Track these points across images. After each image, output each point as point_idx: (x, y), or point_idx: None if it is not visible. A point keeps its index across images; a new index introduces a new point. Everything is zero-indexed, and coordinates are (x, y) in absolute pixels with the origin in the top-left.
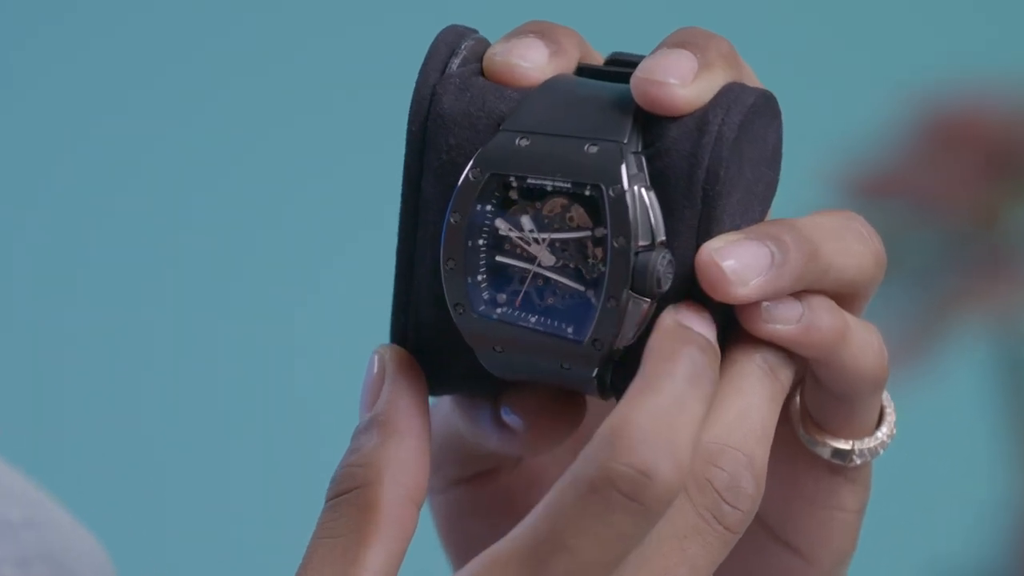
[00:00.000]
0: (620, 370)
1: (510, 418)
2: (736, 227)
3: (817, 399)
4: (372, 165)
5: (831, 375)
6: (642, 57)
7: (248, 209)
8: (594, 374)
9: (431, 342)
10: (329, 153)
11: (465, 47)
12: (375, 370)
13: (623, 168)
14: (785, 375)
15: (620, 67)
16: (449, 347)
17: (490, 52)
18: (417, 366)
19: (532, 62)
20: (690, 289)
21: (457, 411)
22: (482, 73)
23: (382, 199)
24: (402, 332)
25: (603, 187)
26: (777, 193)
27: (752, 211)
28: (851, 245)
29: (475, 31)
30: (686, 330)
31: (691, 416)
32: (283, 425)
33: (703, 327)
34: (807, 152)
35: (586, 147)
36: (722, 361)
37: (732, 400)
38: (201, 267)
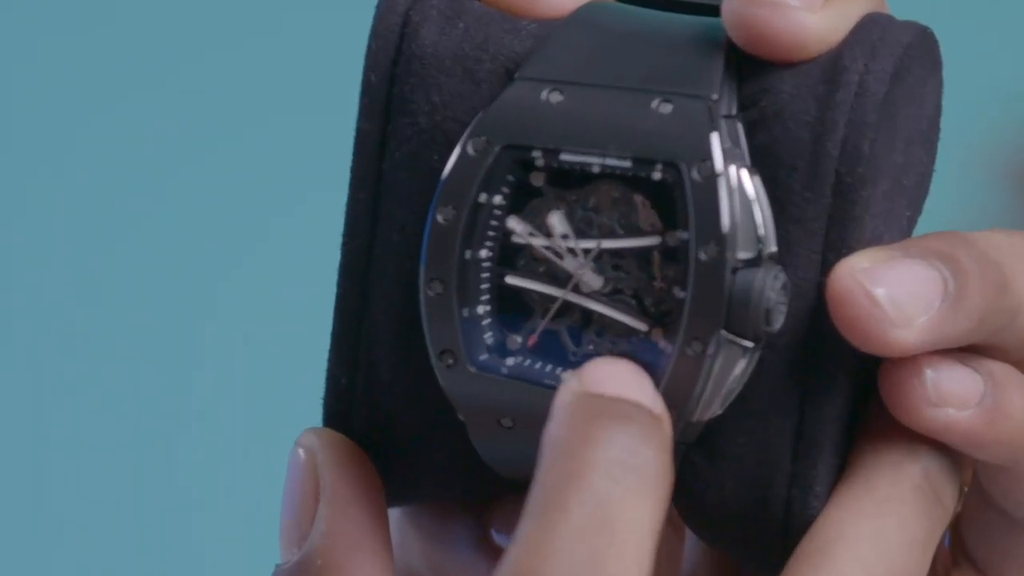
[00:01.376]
0: (693, 460)
1: (504, 542)
2: (880, 238)
3: (984, 530)
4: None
5: (1015, 493)
6: None
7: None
8: None
9: (392, 420)
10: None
11: None
12: (301, 476)
13: (715, 138)
14: (950, 495)
15: (682, 7)
16: (421, 427)
17: None
18: (369, 464)
19: None
20: (808, 333)
21: (413, 533)
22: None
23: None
24: (344, 406)
25: (682, 167)
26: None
27: (897, 215)
28: None
29: None
30: (595, 399)
31: (631, 529)
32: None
33: (625, 384)
34: (960, 129)
35: (654, 104)
36: (851, 469)
37: (868, 537)
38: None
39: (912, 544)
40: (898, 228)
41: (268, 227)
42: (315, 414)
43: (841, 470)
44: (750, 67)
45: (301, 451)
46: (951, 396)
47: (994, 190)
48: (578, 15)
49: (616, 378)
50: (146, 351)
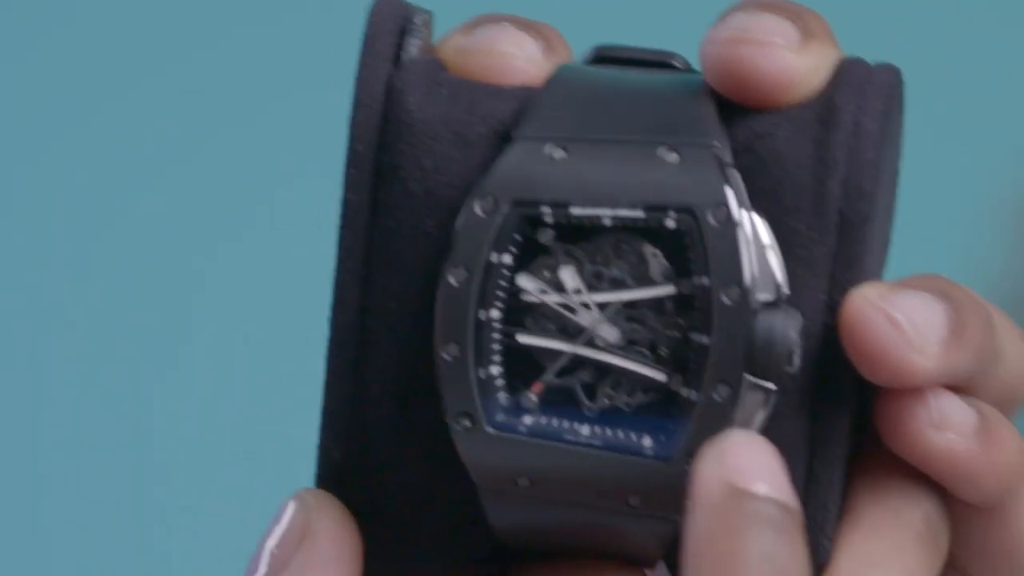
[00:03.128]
0: None
1: None
2: (876, 277)
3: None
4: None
5: (1000, 534)
6: (656, 51)
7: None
8: (679, 514)
9: (386, 491)
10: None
11: (423, 24)
12: (288, 521)
13: (727, 184)
14: (945, 541)
15: (625, 63)
16: (414, 499)
17: (457, 43)
18: (356, 533)
19: (528, 54)
20: (814, 375)
21: None
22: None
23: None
24: (337, 478)
25: (697, 213)
26: (913, 234)
27: (878, 256)
28: (1010, 330)
29: (419, 8)
30: (744, 499)
31: None
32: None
33: (769, 476)
34: (965, 167)
35: (659, 153)
36: (854, 513)
37: None
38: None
39: None
40: (879, 267)
41: (259, 226)
42: (307, 413)
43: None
44: (734, 115)
45: (294, 503)
46: (952, 422)
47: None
48: (560, 75)
49: (762, 471)
50: (134, 348)
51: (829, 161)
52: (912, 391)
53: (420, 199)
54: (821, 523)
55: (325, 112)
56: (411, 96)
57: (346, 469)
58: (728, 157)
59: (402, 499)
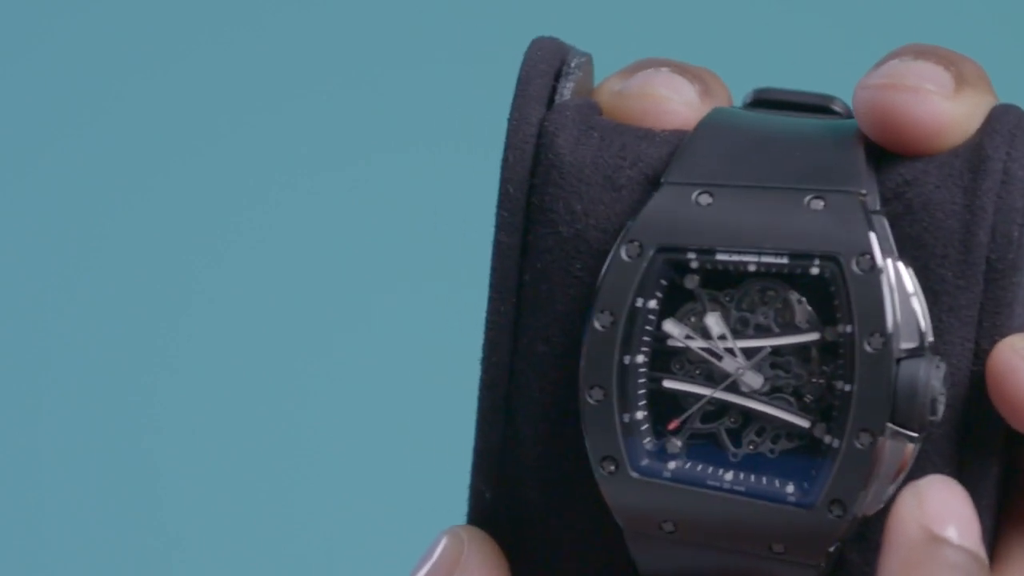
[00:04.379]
0: (848, 558)
1: None
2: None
3: None
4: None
5: None
6: (815, 95)
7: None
8: (823, 563)
9: (536, 532)
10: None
11: (578, 67)
12: (439, 555)
13: (872, 232)
14: None
15: (782, 107)
16: (563, 541)
17: (614, 87)
18: (506, 569)
19: (684, 97)
20: (962, 423)
21: None
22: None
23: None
24: (488, 512)
25: (842, 260)
26: None
27: None
28: None
29: (577, 49)
30: (941, 547)
31: None
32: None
33: (964, 526)
34: None
35: (806, 201)
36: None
37: None
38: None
39: None
40: None
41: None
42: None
43: (989, 557)
44: (886, 162)
45: (447, 538)
46: None
47: None
48: (711, 120)
49: (958, 519)
50: (133, 348)
51: (977, 209)
52: None
53: (569, 242)
54: None
55: (325, 111)
56: (562, 139)
57: (496, 510)
58: (875, 204)
59: (551, 541)
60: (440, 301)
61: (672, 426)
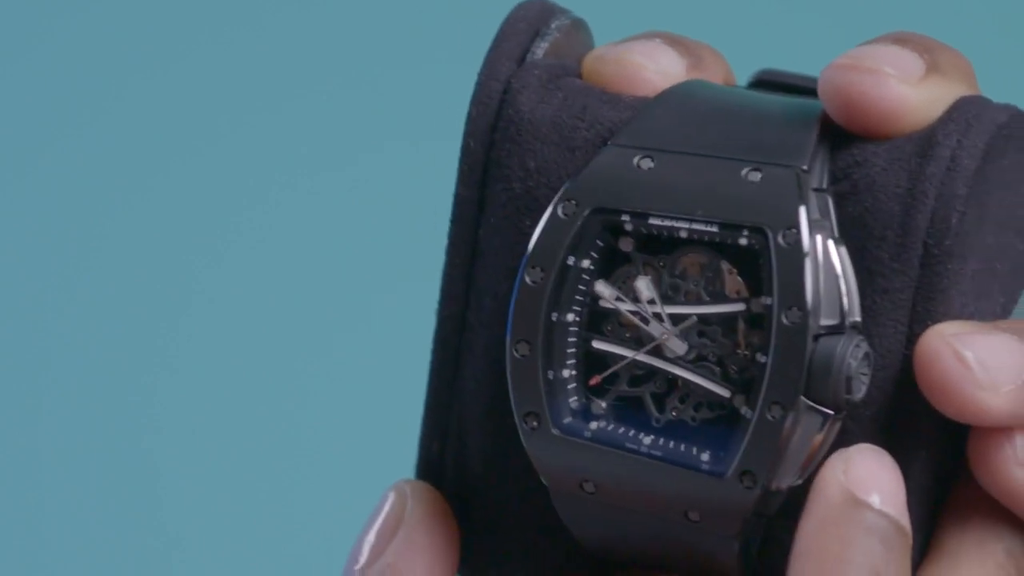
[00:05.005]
0: (776, 534)
1: None
2: (970, 317)
3: None
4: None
5: None
6: (814, 78)
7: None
8: (735, 534)
9: (480, 487)
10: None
11: (557, 28)
12: (386, 511)
13: (802, 207)
14: None
15: (780, 88)
16: (507, 495)
17: (598, 52)
18: (453, 522)
19: (662, 67)
20: (892, 405)
21: None
22: (579, 76)
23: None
24: (435, 471)
25: (769, 233)
26: None
27: (990, 299)
28: None
29: (566, 10)
30: (861, 509)
31: None
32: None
33: (888, 494)
34: None
35: (743, 172)
36: (936, 547)
37: None
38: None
39: None
40: (991, 313)
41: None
42: (305, 414)
43: (924, 546)
44: (843, 143)
45: (393, 492)
46: None
47: None
48: (675, 89)
49: (882, 486)
50: (133, 348)
51: (918, 193)
52: (1003, 428)
53: (521, 199)
54: None
55: (325, 111)
56: (524, 96)
57: (443, 463)
58: (821, 182)
59: (495, 495)
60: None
61: (593, 382)
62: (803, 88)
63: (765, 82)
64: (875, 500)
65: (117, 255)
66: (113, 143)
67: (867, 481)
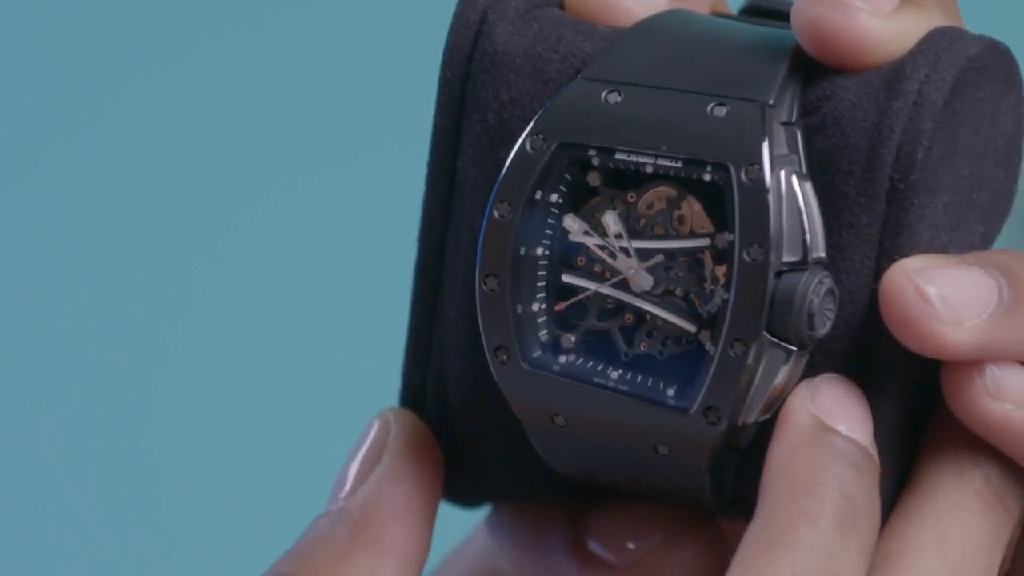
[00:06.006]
0: (748, 466)
1: (599, 550)
2: (944, 249)
3: None
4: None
5: None
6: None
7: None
8: (705, 467)
9: (460, 417)
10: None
11: None
12: (370, 440)
13: (765, 142)
14: (1015, 502)
15: (762, 17)
16: (486, 426)
17: None
18: (436, 449)
19: None
20: (861, 340)
21: (507, 539)
22: (560, 6)
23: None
24: (418, 402)
25: (732, 168)
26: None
27: (967, 229)
28: None
29: None
30: (829, 435)
31: None
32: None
33: (855, 422)
34: None
35: (709, 107)
36: (914, 479)
37: (931, 545)
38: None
39: (976, 549)
40: (968, 244)
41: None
42: (305, 414)
43: (900, 479)
44: (815, 75)
45: (377, 422)
46: (1010, 393)
47: None
48: (649, 20)
49: (849, 414)
50: (128, 349)
51: (885, 128)
52: (973, 361)
53: (495, 131)
54: None
55: (325, 111)
56: (500, 28)
57: (424, 394)
58: (790, 116)
59: (476, 425)
60: None
61: (558, 307)
62: (785, 14)
63: (756, 9)
64: (842, 427)
65: (117, 255)
66: (113, 143)
67: (835, 409)
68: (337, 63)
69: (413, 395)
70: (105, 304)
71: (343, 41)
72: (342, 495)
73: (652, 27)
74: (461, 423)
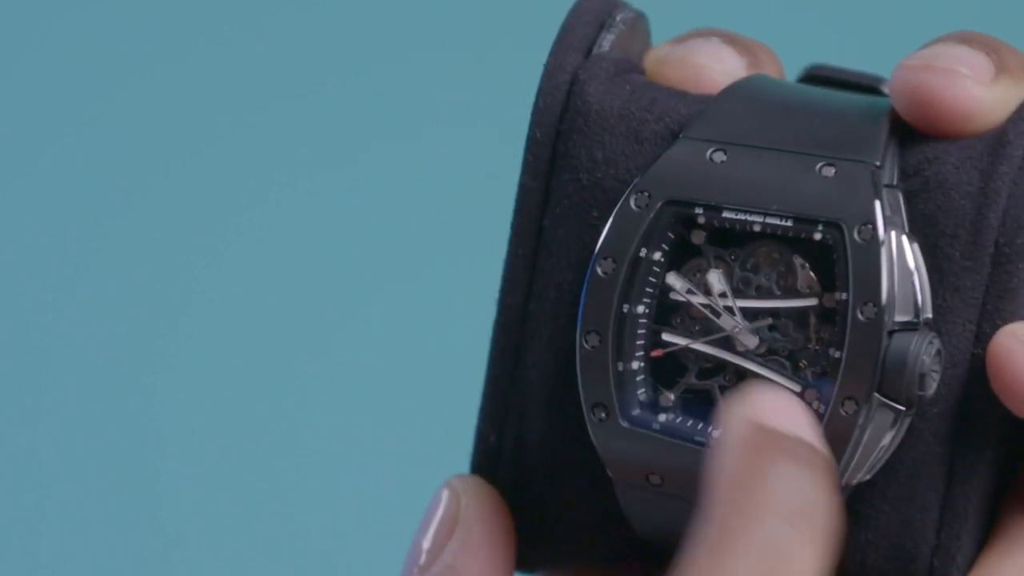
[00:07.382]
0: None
1: None
2: None
3: None
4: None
5: None
6: (867, 75)
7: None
8: None
9: (537, 480)
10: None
11: (622, 21)
12: (441, 512)
13: (878, 202)
14: None
15: (833, 84)
16: (564, 489)
17: (660, 53)
18: (508, 517)
19: (725, 66)
20: (960, 403)
21: None
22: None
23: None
24: (491, 463)
25: (845, 227)
26: None
27: None
28: None
29: (628, 3)
30: (767, 434)
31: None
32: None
33: (793, 418)
34: None
35: (817, 167)
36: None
37: None
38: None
39: None
40: None
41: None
42: (305, 414)
43: (983, 543)
44: (912, 140)
45: (447, 490)
46: None
47: None
48: (743, 83)
49: (784, 411)
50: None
51: (991, 192)
52: None
53: (588, 190)
54: (953, 553)
55: (325, 110)
56: (592, 87)
57: (499, 455)
58: (892, 178)
59: (553, 488)
60: (441, 300)
61: (655, 354)
62: (856, 84)
63: (817, 77)
64: (781, 424)
65: (117, 255)
66: (113, 143)
67: (770, 410)
68: (337, 63)
69: (487, 457)
70: (105, 304)
71: (343, 41)
72: (417, 570)
73: (746, 90)
74: (540, 486)
